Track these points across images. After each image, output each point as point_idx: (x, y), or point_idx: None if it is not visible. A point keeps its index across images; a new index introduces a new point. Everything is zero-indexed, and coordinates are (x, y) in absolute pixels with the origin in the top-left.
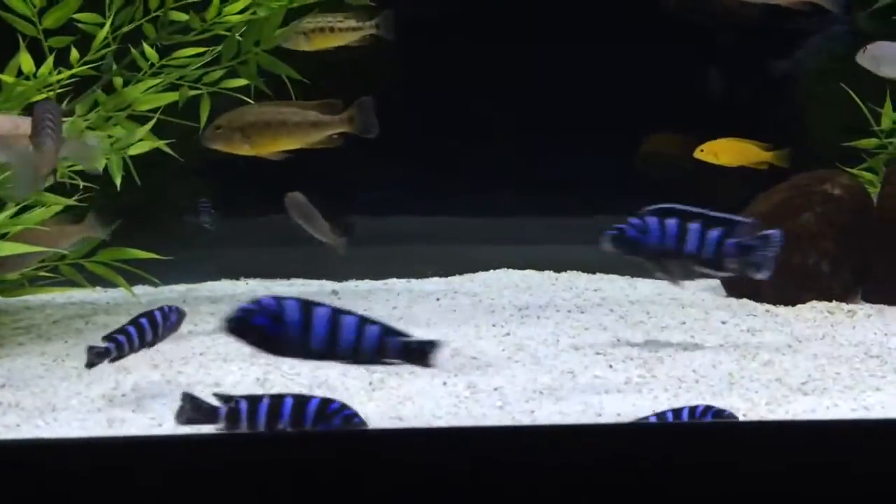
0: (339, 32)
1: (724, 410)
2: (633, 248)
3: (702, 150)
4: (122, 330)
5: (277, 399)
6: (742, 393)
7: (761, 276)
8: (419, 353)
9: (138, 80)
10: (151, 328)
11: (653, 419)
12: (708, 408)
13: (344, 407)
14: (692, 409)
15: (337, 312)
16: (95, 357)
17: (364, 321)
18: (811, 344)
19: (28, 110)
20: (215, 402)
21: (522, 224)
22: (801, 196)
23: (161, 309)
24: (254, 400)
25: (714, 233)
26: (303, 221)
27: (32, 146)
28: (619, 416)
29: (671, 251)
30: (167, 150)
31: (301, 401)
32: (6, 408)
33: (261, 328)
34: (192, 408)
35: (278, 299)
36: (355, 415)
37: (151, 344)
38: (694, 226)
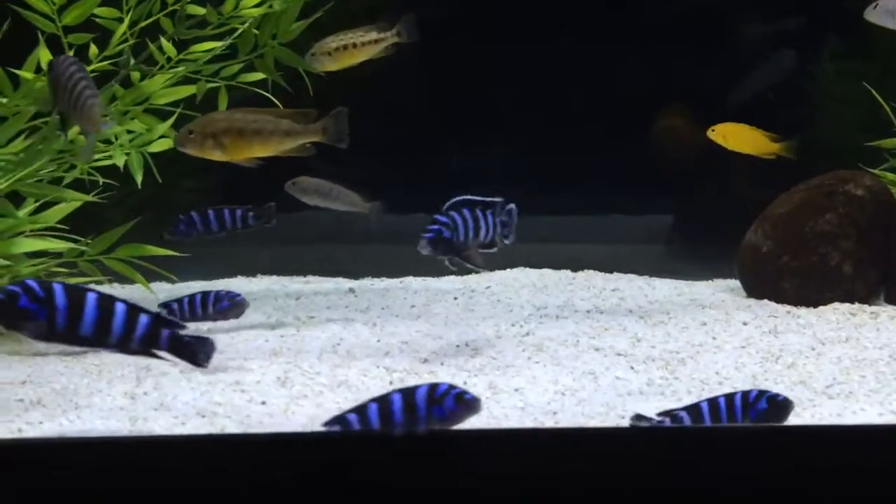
0: (363, 47)
1: (777, 395)
2: (448, 246)
3: (713, 131)
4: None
5: (385, 400)
6: None
7: (509, 242)
8: (189, 348)
9: (154, 75)
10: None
11: (704, 405)
12: (761, 392)
13: (452, 387)
14: (745, 394)
15: (106, 299)
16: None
17: (135, 310)
18: (835, 346)
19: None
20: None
21: (535, 222)
22: (824, 196)
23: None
24: (361, 409)
25: (489, 215)
26: (320, 200)
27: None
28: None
29: (469, 242)
30: None
31: (409, 393)
32: (28, 405)
33: (26, 311)
34: None
35: (44, 283)
36: (465, 392)
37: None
38: (479, 213)
